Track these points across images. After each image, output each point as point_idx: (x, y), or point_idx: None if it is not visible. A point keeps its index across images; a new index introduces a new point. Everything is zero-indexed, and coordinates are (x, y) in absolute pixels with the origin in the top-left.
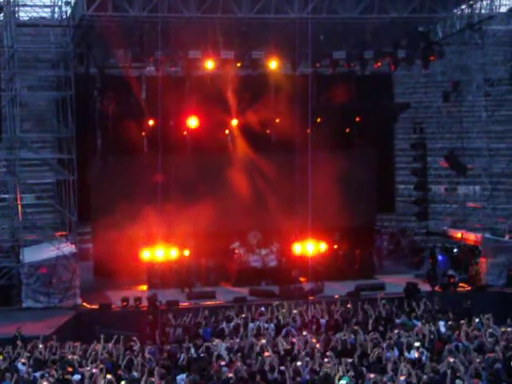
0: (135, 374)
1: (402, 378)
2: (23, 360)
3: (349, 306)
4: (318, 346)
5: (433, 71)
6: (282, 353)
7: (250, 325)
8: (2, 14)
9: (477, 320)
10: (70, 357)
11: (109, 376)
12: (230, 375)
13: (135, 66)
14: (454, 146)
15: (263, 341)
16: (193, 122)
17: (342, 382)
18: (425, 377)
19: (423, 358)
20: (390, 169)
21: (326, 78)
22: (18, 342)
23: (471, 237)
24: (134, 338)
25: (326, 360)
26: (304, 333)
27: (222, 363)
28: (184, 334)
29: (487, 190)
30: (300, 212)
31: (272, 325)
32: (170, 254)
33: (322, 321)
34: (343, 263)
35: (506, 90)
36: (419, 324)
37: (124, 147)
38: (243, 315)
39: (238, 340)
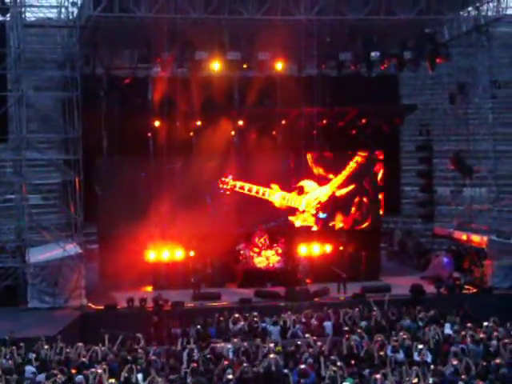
0: (139, 375)
1: (408, 380)
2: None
3: (354, 308)
4: (322, 348)
5: (439, 73)
6: (287, 355)
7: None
8: (8, 15)
9: (484, 323)
10: (74, 358)
11: (112, 380)
12: (235, 376)
13: (141, 66)
14: (461, 147)
15: (268, 343)
16: (198, 123)
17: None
18: (430, 379)
19: (428, 360)
20: (396, 170)
21: (332, 79)
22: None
23: (477, 239)
24: (139, 335)
25: (330, 363)
26: (307, 335)
27: (226, 363)
28: (188, 335)
29: (493, 192)
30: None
31: (277, 327)
32: (176, 254)
33: (328, 323)
34: (349, 265)
35: None
36: (424, 326)
37: (130, 148)
38: (249, 317)
39: (243, 342)
